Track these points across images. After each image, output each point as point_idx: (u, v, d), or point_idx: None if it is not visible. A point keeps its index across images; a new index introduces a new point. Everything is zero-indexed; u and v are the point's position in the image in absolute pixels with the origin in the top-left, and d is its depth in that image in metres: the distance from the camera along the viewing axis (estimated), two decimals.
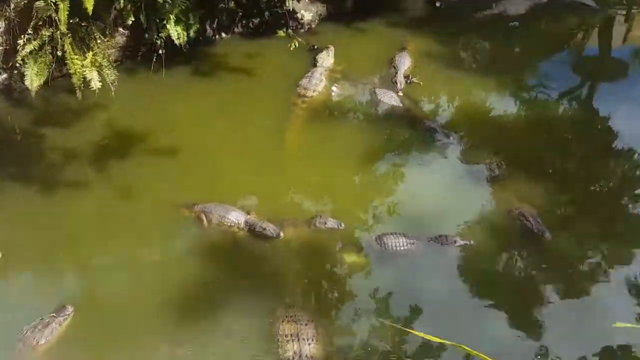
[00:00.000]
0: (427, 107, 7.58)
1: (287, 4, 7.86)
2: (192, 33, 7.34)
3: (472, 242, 5.44)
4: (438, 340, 2.19)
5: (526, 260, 5.48)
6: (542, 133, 7.26)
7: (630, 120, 7.45)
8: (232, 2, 7.99)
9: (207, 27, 8.13)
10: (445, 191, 6.14)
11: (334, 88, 7.57)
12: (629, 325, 2.34)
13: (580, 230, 5.82)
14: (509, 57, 9.11)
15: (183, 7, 6.93)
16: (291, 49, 7.24)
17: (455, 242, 5.42)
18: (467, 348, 2.08)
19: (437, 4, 9.60)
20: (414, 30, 9.02)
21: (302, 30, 8.57)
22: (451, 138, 6.78)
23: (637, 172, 6.81)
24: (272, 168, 6.28)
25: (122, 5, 6.61)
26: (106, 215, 5.61)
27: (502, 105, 7.68)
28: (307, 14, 8.20)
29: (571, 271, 5.39)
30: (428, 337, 2.17)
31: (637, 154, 6.94)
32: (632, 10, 10.69)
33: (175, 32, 7.05)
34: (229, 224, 5.44)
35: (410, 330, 2.49)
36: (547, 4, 9.90)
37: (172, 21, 6.94)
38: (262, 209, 5.73)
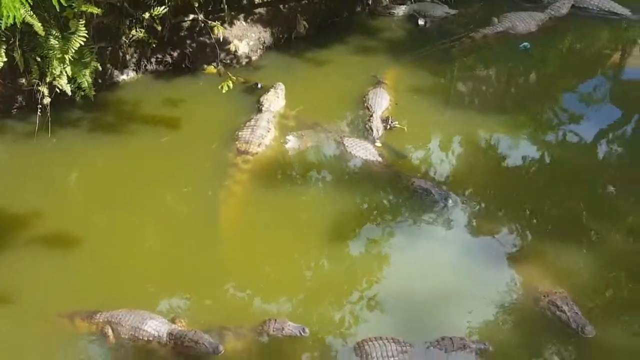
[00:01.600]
0: (415, 160, 7.75)
1: (214, 31, 8.01)
2: (87, 74, 7.40)
3: (488, 345, 5.45)
4: None
5: None
6: (576, 187, 7.43)
7: None
8: (141, 30, 8.12)
9: (109, 65, 8.23)
10: (447, 274, 6.19)
11: (289, 139, 7.69)
12: None
13: (636, 321, 5.86)
14: (521, 88, 9.48)
15: (77, 42, 7.00)
16: (223, 91, 7.33)
17: (464, 346, 5.40)
18: None
19: (421, 22, 9.99)
20: (393, 58, 9.38)
21: (239, 65, 8.79)
22: (450, 200, 6.91)
23: None
24: (205, 257, 6.25)
25: None
26: None
27: (518, 152, 7.93)
28: (243, 44, 8.40)
29: None
30: None
31: None
32: None
33: (66, 74, 7.10)
34: (146, 339, 5.34)
35: None
36: (566, 17, 10.36)
37: (60, 60, 7.00)
38: (192, 314, 5.68)
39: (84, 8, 6.91)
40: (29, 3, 6.20)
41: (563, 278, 6.05)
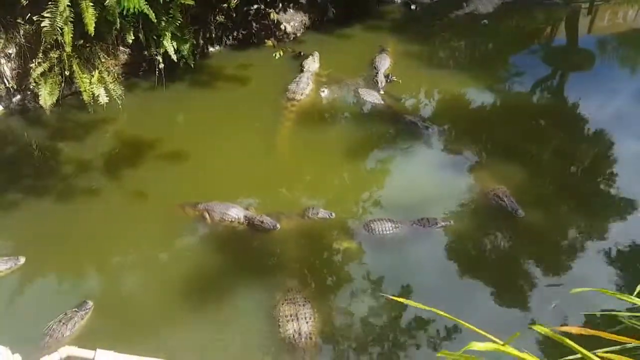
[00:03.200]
0: (407, 103, 7.73)
1: (271, 16, 8.00)
2: (187, 48, 7.45)
3: (452, 222, 5.57)
4: (432, 310, 2.20)
5: (503, 236, 5.60)
6: (518, 121, 7.41)
7: (599, 105, 7.66)
8: (222, 16, 8.12)
9: (201, 41, 8.25)
10: (427, 180, 6.29)
11: (322, 91, 7.69)
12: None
13: (555, 208, 5.96)
14: (482, 53, 9.28)
15: (177, 24, 7.05)
16: (276, 57, 7.35)
17: (436, 223, 5.55)
18: (457, 319, 2.16)
19: (413, 7, 9.76)
20: (393, 33, 9.21)
21: (288, 40, 8.74)
22: (430, 130, 6.92)
23: (608, 153, 6.92)
24: (267, 167, 6.40)
25: (121, 25, 6.78)
26: (120, 218, 5.73)
27: (479, 97, 7.87)
28: (289, 26, 8.33)
29: (547, 245, 5.49)
30: (422, 306, 2.22)
31: (606, 137, 7.10)
32: (595, 3, 10.89)
33: (172, 47, 7.15)
34: (230, 220, 5.55)
35: (405, 301, 2.55)
36: (515, 2, 10.04)
37: (168, 38, 7.05)
38: (259, 204, 5.85)
39: (183, 1, 6.96)
40: None
41: (505, 180, 6.11)
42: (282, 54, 7.37)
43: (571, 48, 9.94)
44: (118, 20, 6.48)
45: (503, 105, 7.83)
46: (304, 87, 7.52)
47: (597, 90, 8.12)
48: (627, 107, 7.70)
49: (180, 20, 7.11)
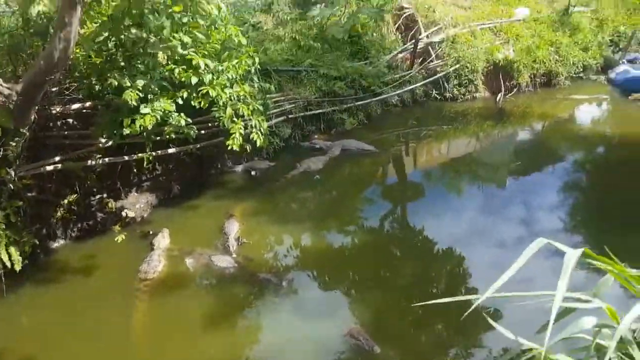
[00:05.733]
0: (260, 261, 7.99)
1: (109, 205, 8.13)
2: (27, 250, 7.18)
3: None
4: None
5: None
6: (372, 256, 8.02)
7: (439, 226, 8.73)
8: (63, 211, 8.05)
9: (43, 239, 8.00)
10: (283, 330, 6.41)
11: (186, 261, 7.72)
12: None
13: (410, 342, 6.28)
14: (322, 202, 10.11)
15: (14, 229, 6.86)
16: (118, 241, 7.38)
17: None
18: None
19: (253, 173, 10.52)
20: (238, 198, 9.76)
21: (136, 221, 8.82)
22: (284, 283, 7.20)
23: (459, 269, 7.69)
24: (126, 354, 6.12)
25: None
26: None
27: (326, 241, 8.47)
28: (134, 208, 8.50)
29: None
30: None
31: (456, 252, 7.95)
32: (410, 144, 12.68)
33: (7, 255, 6.83)
34: None
35: None
36: (339, 157, 11.29)
37: (2, 245, 6.78)
38: None
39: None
40: None
41: (363, 317, 6.48)
42: (124, 237, 7.43)
43: (402, 183, 11.37)
44: None
45: (350, 244, 8.47)
46: (156, 265, 7.53)
47: (435, 213, 9.27)
48: (463, 223, 8.86)
49: (17, 222, 6.94)
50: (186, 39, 5.96)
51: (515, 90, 14.81)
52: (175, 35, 6.02)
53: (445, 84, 14.21)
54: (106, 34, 6.38)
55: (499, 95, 14.49)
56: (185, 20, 5.71)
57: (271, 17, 13.16)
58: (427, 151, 12.88)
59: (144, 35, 6.08)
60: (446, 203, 9.93)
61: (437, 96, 14.21)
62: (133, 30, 6.06)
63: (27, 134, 6.58)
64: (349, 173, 11.20)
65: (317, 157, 11.12)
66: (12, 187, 6.95)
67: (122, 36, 6.30)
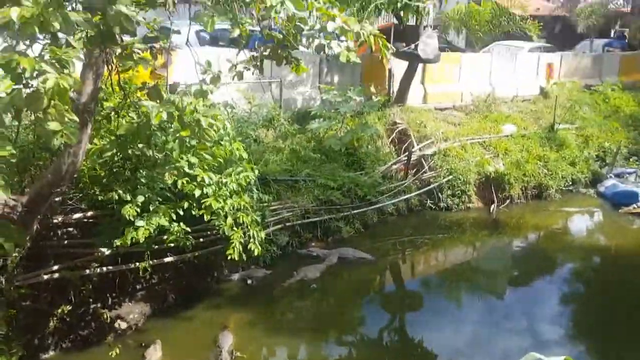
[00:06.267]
0: None
1: (104, 316, 8.02)
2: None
3: None
4: None
5: None
6: None
7: (439, 338, 8.63)
8: (55, 321, 7.89)
9: (33, 350, 7.74)
10: None
11: None
12: None
13: None
14: (321, 312, 9.97)
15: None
16: (112, 356, 7.21)
17: None
18: None
19: (249, 281, 10.44)
20: (234, 308, 9.62)
21: (129, 332, 8.61)
22: None
23: None
24: None
25: None
26: None
27: (329, 352, 8.40)
28: (128, 318, 8.36)
29: None
30: None
31: None
32: (406, 252, 12.77)
33: None
34: None
35: None
36: (336, 265, 11.28)
37: None
38: None
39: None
40: None
41: None
42: (118, 351, 7.25)
43: (401, 292, 11.30)
44: None
45: (353, 358, 8.32)
46: None
47: (434, 324, 9.17)
48: (463, 335, 8.79)
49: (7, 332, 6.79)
50: (193, 159, 6.28)
51: (507, 201, 15.13)
52: (183, 156, 6.33)
53: (439, 194, 14.52)
54: (113, 151, 6.69)
55: (493, 206, 14.77)
56: (193, 142, 6.04)
57: (272, 131, 13.75)
58: (425, 260, 12.90)
59: (150, 153, 6.39)
60: (445, 314, 9.81)
61: (432, 206, 14.46)
62: (140, 146, 6.37)
63: (28, 244, 6.64)
64: (347, 282, 11.14)
65: (314, 265, 11.10)
66: (6, 296, 6.88)
67: (129, 151, 6.60)
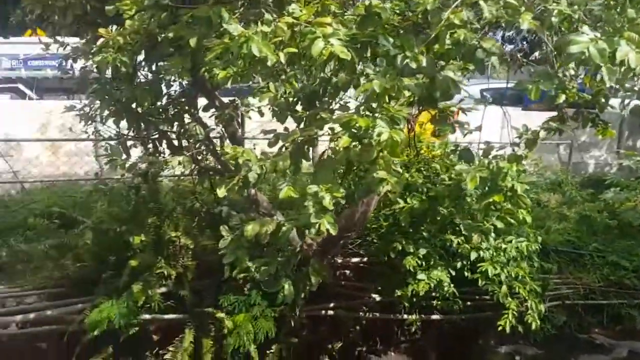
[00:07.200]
0: None
1: None
2: None
3: None
4: None
5: None
6: None
7: None
8: (326, 355, 8.42)
9: None
10: None
11: None
12: None
13: None
14: None
15: None
16: None
17: None
18: None
19: (517, 358, 9.54)
20: None
21: None
22: None
23: None
24: None
25: None
26: None
27: None
28: None
29: None
30: None
31: None
32: None
33: None
34: None
35: None
36: None
37: None
38: None
39: None
40: None
41: None
42: None
43: None
44: None
45: None
46: None
47: None
48: None
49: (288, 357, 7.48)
50: (499, 223, 6.12)
51: None
52: (488, 219, 6.25)
53: None
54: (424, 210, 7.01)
55: None
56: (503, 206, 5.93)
57: (558, 196, 12.63)
58: None
59: (458, 217, 6.51)
60: None
61: None
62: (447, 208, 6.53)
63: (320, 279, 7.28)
64: None
65: (596, 355, 9.57)
66: (292, 323, 7.63)
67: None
